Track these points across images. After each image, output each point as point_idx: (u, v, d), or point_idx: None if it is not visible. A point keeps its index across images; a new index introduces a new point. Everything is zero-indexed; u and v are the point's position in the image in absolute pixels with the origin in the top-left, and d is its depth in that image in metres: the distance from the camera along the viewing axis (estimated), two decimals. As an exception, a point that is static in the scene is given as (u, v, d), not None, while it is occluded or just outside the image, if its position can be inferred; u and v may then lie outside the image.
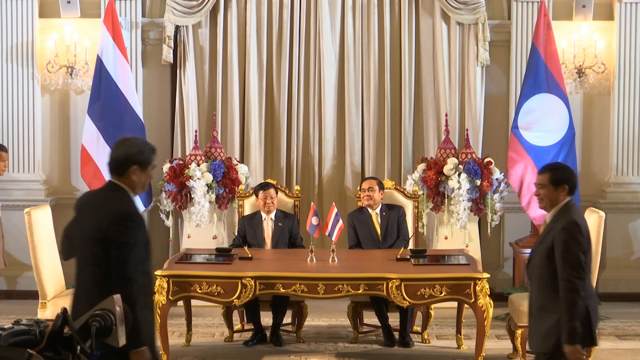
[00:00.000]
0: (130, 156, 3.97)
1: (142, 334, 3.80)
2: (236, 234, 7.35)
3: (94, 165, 8.09)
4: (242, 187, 7.89)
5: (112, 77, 8.13)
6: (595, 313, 4.35)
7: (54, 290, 6.53)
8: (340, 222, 6.62)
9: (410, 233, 7.30)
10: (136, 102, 8.28)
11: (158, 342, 4.06)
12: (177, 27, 8.74)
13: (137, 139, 4.26)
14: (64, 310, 3.11)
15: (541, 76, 8.08)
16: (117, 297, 3.29)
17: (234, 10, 8.81)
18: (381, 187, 7.32)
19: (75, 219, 4.12)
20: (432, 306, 6.92)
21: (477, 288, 6.03)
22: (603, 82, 8.74)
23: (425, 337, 7.09)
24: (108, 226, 3.84)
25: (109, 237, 3.83)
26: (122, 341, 3.28)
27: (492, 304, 6.10)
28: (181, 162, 8.23)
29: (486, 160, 8.19)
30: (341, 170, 8.95)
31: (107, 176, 8.10)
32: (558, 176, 4.44)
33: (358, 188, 7.70)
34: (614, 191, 8.75)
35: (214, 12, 8.83)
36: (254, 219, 7.31)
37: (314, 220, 6.69)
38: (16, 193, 8.57)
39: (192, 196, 8.09)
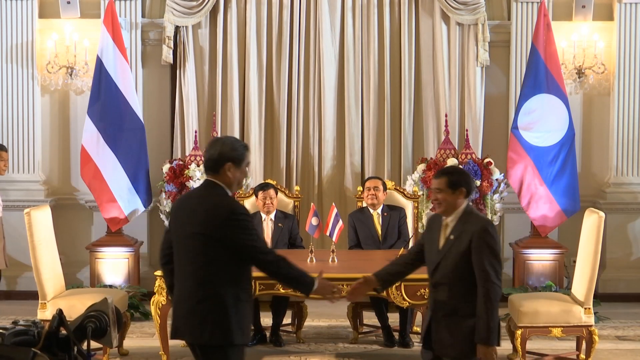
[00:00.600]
0: (224, 154, 4.08)
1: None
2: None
3: (93, 166, 8.09)
4: (242, 187, 7.89)
5: (112, 77, 8.12)
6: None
7: (53, 290, 6.53)
8: (340, 222, 6.61)
9: (410, 233, 7.30)
10: (136, 102, 8.28)
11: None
12: (177, 28, 8.74)
13: (230, 137, 4.39)
14: (60, 311, 3.12)
15: (541, 76, 8.07)
16: (111, 298, 3.30)
17: (233, 10, 8.82)
18: (385, 187, 7.32)
19: (176, 220, 4.19)
20: (432, 306, 6.91)
21: (477, 288, 6.02)
22: (603, 82, 8.75)
23: (425, 337, 7.08)
24: (220, 223, 3.95)
25: (220, 234, 3.95)
26: (115, 342, 3.29)
27: (492, 304, 6.07)
28: (181, 162, 8.23)
29: (486, 160, 8.19)
30: (341, 170, 8.95)
31: (106, 176, 8.20)
32: (455, 179, 4.39)
33: (359, 188, 7.70)
34: (614, 191, 8.75)
35: (213, 12, 8.83)
36: (253, 220, 7.27)
37: (314, 221, 6.69)
38: (16, 193, 8.57)
39: (192, 196, 8.08)
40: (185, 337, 4.11)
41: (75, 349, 3.10)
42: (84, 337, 3.18)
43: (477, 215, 4.44)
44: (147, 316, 7.62)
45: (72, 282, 7.96)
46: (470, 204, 4.47)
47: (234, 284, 4.00)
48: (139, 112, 8.28)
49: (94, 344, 3.27)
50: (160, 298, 6.13)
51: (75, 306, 5.82)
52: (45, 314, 6.25)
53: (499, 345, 4.29)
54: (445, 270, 4.33)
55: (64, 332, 3.11)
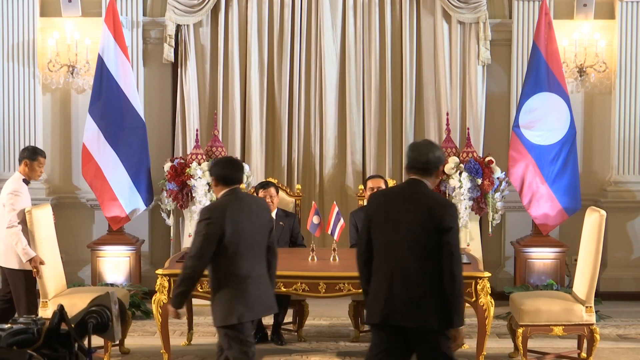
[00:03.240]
0: (442, 160, 4.56)
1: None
2: (237, 233, 7.34)
3: (95, 164, 8.10)
4: (243, 186, 7.89)
5: (113, 76, 8.13)
6: None
7: (55, 289, 6.53)
8: (342, 221, 6.62)
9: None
10: (137, 101, 8.28)
11: None
12: (178, 26, 8.74)
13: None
14: (61, 307, 3.11)
15: (542, 75, 8.07)
16: (113, 292, 3.30)
17: (235, 9, 8.82)
18: (387, 186, 7.32)
19: (386, 214, 4.46)
20: (433, 305, 6.91)
21: (478, 287, 6.03)
22: (604, 81, 8.74)
23: (426, 336, 7.08)
24: (442, 216, 4.31)
25: (443, 226, 4.30)
26: (119, 336, 3.29)
27: (493, 303, 6.08)
28: (182, 161, 8.23)
29: (487, 159, 8.19)
30: (342, 169, 8.95)
31: (107, 174, 8.20)
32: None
33: (360, 186, 7.70)
34: (615, 190, 8.75)
35: (215, 11, 8.83)
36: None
37: (315, 219, 6.69)
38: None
39: (193, 195, 8.10)
40: (409, 323, 4.33)
41: (76, 345, 3.09)
42: (85, 332, 3.18)
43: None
44: (148, 315, 7.63)
45: (73, 281, 7.97)
46: None
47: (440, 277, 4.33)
48: (140, 111, 8.29)
49: (97, 341, 3.27)
50: (161, 297, 6.13)
51: (77, 305, 5.74)
52: (47, 312, 6.25)
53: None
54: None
55: (65, 327, 3.10)
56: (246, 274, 4.83)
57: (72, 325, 3.08)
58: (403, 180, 8.50)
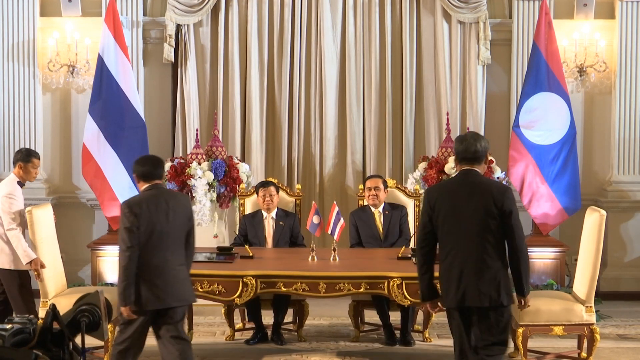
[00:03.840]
0: (488, 148, 4.99)
1: None
2: (237, 232, 7.36)
3: (95, 164, 8.09)
4: (243, 185, 7.89)
5: (113, 75, 8.12)
6: None
7: (55, 289, 6.53)
8: (342, 220, 6.62)
9: (412, 232, 7.30)
10: (137, 100, 8.28)
11: None
12: (178, 26, 8.74)
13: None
14: (53, 306, 3.12)
15: (542, 75, 8.07)
16: (101, 291, 3.30)
17: (235, 9, 8.82)
18: (385, 185, 7.32)
19: (447, 203, 4.86)
20: (433, 305, 6.91)
21: (479, 287, 6.02)
22: (604, 80, 8.75)
23: (427, 336, 7.09)
24: (503, 201, 4.75)
25: (505, 209, 4.76)
26: (107, 335, 3.30)
27: (493, 302, 6.08)
28: (182, 160, 8.23)
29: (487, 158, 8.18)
30: (342, 169, 8.95)
31: (108, 174, 8.19)
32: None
33: (360, 186, 7.69)
34: (615, 190, 8.75)
35: (215, 10, 8.83)
36: (255, 218, 7.30)
37: (315, 219, 6.69)
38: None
39: (194, 195, 8.09)
40: (484, 303, 4.74)
41: (71, 344, 3.09)
42: (77, 331, 3.18)
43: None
44: (148, 314, 7.61)
45: (73, 281, 7.97)
46: None
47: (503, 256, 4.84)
48: (140, 111, 8.28)
49: (90, 341, 3.26)
50: (161, 296, 6.12)
51: (77, 304, 5.82)
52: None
53: None
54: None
55: (57, 326, 3.10)
56: (157, 265, 5.13)
57: (65, 324, 3.09)
58: (404, 179, 8.59)
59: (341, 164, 8.95)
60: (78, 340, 3.33)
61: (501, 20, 8.86)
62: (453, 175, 5.05)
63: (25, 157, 6.64)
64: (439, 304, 4.98)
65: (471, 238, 4.77)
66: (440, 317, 7.41)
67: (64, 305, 3.87)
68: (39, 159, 6.80)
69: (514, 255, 4.82)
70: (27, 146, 8.65)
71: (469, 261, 4.77)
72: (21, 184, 6.60)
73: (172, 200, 5.32)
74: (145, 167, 5.31)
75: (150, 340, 6.92)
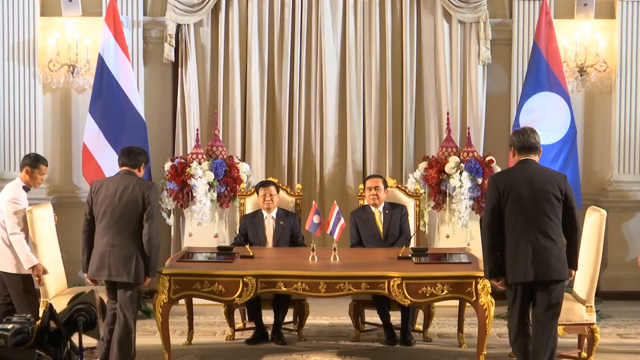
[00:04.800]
0: (540, 141, 5.55)
1: None
2: (237, 232, 7.36)
3: (95, 164, 8.10)
4: (243, 185, 7.89)
5: (113, 75, 8.13)
6: None
7: (55, 288, 6.54)
8: (342, 220, 6.61)
9: (412, 231, 7.30)
10: (137, 100, 8.28)
11: None
12: (179, 26, 8.74)
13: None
14: (50, 306, 3.12)
15: (543, 75, 8.08)
16: (96, 290, 3.31)
17: (235, 8, 8.82)
18: (385, 185, 7.32)
19: (515, 188, 5.36)
20: (434, 305, 6.92)
21: (479, 286, 6.03)
22: (605, 80, 8.74)
23: (427, 335, 7.09)
24: (564, 185, 5.37)
25: (566, 192, 5.35)
26: (102, 334, 3.30)
27: (493, 302, 6.09)
28: (182, 160, 8.23)
29: (488, 158, 8.19)
30: (342, 168, 8.95)
31: (108, 174, 8.21)
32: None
33: (360, 186, 7.70)
34: (616, 190, 8.75)
35: (215, 10, 8.83)
36: (255, 218, 7.31)
37: (315, 219, 6.68)
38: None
39: (194, 195, 8.10)
40: (554, 276, 5.32)
41: (68, 344, 3.09)
42: (74, 330, 3.18)
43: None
44: (149, 314, 7.63)
45: (73, 281, 7.96)
46: None
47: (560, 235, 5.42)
48: (141, 110, 8.29)
49: (87, 340, 3.26)
50: (161, 296, 6.13)
51: (77, 304, 5.82)
52: (47, 312, 6.25)
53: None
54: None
55: (54, 326, 3.10)
56: (103, 242, 5.94)
57: (62, 323, 3.09)
58: (404, 178, 8.59)
59: (341, 164, 8.95)
60: (74, 339, 3.33)
61: (501, 20, 8.86)
62: (514, 165, 5.59)
63: (33, 163, 6.59)
64: (503, 279, 5.43)
65: (538, 219, 5.29)
66: (440, 317, 7.44)
67: (65, 305, 3.87)
68: (46, 165, 6.73)
69: (574, 234, 5.39)
70: (26, 146, 8.67)
71: (537, 240, 5.28)
72: (26, 188, 6.56)
73: (122, 183, 5.91)
74: (120, 157, 6.10)
75: (152, 340, 6.94)
